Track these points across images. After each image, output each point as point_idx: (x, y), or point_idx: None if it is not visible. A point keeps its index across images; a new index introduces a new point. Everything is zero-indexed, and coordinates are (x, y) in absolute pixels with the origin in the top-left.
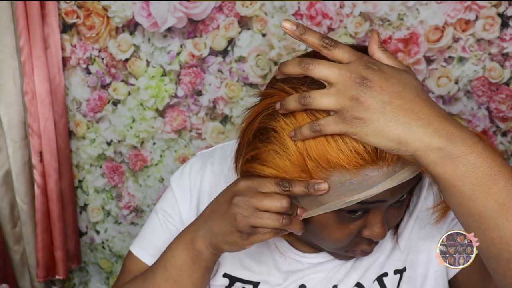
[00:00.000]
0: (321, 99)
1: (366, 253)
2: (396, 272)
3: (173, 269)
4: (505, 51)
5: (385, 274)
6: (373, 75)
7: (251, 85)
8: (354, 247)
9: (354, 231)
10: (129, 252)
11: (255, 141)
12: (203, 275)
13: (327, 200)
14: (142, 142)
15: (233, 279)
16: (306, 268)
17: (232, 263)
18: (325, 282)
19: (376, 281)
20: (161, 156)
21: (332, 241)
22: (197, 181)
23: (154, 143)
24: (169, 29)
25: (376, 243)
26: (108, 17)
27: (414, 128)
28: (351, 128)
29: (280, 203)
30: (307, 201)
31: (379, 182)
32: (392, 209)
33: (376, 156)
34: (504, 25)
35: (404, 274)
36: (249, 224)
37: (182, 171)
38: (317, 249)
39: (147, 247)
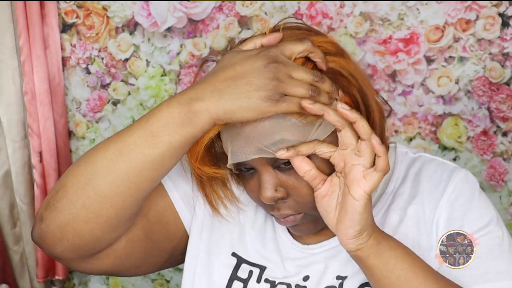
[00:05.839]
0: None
1: (281, 221)
2: None
3: (155, 124)
4: (505, 51)
5: None
6: None
7: None
8: (270, 211)
9: (254, 188)
10: None
11: None
12: (184, 143)
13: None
14: None
15: (240, 260)
16: (308, 256)
17: (241, 244)
18: (329, 272)
19: None
20: None
21: (252, 198)
22: None
23: None
24: (169, 29)
25: (284, 213)
26: (107, 17)
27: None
28: None
29: (313, 75)
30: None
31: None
32: (284, 172)
33: None
34: (505, 25)
35: None
36: (283, 89)
37: None
38: (318, 237)
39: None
